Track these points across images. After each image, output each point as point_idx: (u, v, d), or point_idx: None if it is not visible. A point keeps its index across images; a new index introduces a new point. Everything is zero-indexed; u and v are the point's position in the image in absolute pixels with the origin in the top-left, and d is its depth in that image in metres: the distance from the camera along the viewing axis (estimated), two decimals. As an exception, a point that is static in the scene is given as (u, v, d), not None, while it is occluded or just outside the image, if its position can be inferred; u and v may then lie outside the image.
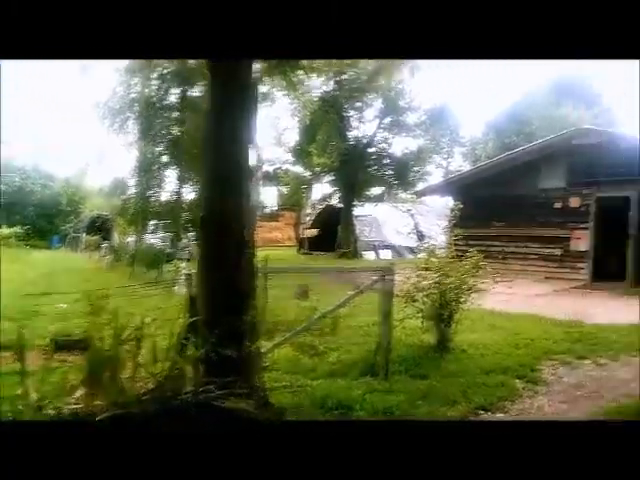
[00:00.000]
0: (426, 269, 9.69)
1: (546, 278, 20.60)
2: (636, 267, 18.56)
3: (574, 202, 20.69)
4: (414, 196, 33.58)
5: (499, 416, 6.81)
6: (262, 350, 7.04)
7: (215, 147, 6.15)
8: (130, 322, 5.88)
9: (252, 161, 6.42)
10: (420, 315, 9.34)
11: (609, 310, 14.28)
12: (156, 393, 5.37)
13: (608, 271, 19.88)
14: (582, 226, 20.44)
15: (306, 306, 11.20)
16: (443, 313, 9.34)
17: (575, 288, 18.94)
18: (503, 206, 22.28)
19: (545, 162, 21.41)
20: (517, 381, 8.08)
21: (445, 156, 44.53)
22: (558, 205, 21.15)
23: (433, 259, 9.86)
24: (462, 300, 9.48)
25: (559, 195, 21.13)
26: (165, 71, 24.80)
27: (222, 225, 6.04)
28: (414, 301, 9.32)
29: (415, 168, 37.34)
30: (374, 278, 8.56)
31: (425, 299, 9.34)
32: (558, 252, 21.09)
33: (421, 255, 12.53)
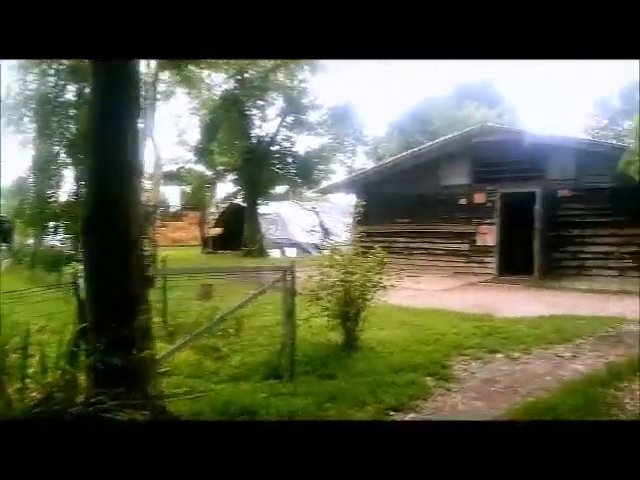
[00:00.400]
0: (330, 266, 9.30)
1: (454, 273, 20.54)
2: (542, 260, 18.59)
3: (478, 198, 20.73)
4: (319, 194, 33.45)
5: (425, 416, 6.49)
6: (161, 354, 6.77)
7: (97, 145, 5.72)
8: (20, 329, 5.47)
9: (145, 159, 5.89)
10: (326, 314, 8.93)
11: (518, 303, 14.27)
12: (45, 405, 4.94)
13: (515, 265, 20.10)
14: (488, 221, 20.48)
15: (208, 307, 10.58)
16: (349, 311, 8.92)
17: (483, 282, 18.97)
18: (407, 203, 22.14)
19: (448, 160, 21.49)
20: (428, 379, 7.67)
21: (349, 155, 44.45)
22: (463, 201, 21.18)
23: (337, 256, 9.48)
24: (368, 297, 9.05)
25: (463, 192, 21.16)
26: (61, 67, 23.87)
27: (106, 225, 5.56)
28: (319, 299, 8.91)
29: (319, 166, 37.32)
30: (276, 276, 8.13)
31: (330, 297, 8.93)
32: (465, 247, 21.11)
33: (326, 252, 12.17)
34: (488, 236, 20.41)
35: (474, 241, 20.87)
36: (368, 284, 8.99)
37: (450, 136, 22.05)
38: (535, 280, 18.13)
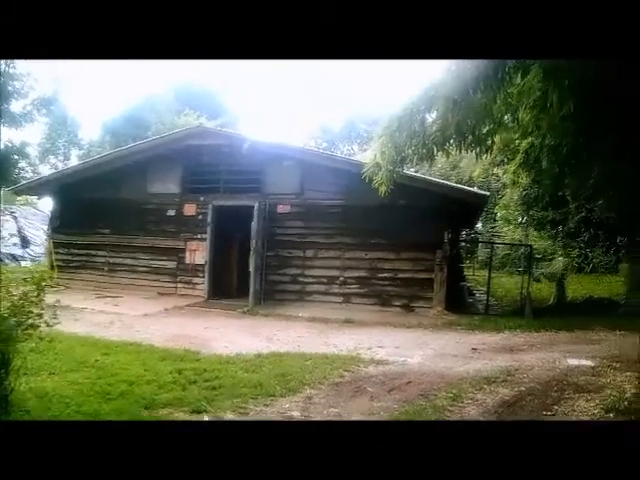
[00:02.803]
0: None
1: (160, 295, 18.04)
2: (259, 283, 16.72)
3: (189, 210, 18.42)
4: (15, 195, 29.45)
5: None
6: None
7: None
8: None
9: None
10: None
11: (230, 335, 12.15)
12: None
13: (229, 287, 18.38)
14: (199, 237, 18.17)
15: None
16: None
17: (191, 306, 16.46)
18: (110, 212, 19.16)
19: (158, 164, 18.74)
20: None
21: (61, 158, 40.90)
22: (172, 213, 18.70)
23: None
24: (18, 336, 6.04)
25: (172, 201, 18.71)
26: None
27: None
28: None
29: (20, 164, 33.05)
30: None
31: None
32: (172, 265, 18.61)
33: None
34: (198, 253, 18.08)
35: (183, 258, 18.41)
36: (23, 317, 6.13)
37: (160, 136, 19.57)
38: (251, 306, 16.06)
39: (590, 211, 22.50)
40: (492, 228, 34.39)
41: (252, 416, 6.82)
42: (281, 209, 17.35)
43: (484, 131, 8.15)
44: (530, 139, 9.79)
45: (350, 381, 8.54)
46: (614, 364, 9.78)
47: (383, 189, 9.10)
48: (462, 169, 36.29)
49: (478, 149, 8.19)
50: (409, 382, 8.47)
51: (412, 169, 18.93)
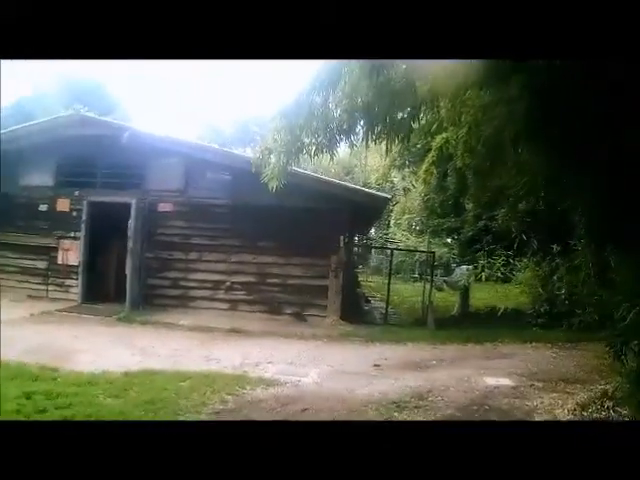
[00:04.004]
0: None
1: (29, 297, 16.03)
2: (137, 287, 15.14)
3: (62, 205, 16.45)
4: None
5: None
6: None
7: None
8: None
9: None
10: None
11: (100, 346, 10.56)
12: None
13: (106, 291, 16.53)
14: (72, 235, 16.28)
15: None
16: None
17: (61, 311, 14.63)
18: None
19: (31, 153, 16.52)
20: None
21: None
22: (44, 208, 16.66)
23: None
24: None
25: (45, 196, 16.66)
26: None
27: None
28: None
29: None
30: None
31: None
32: (43, 265, 16.59)
33: None
34: (72, 253, 16.21)
35: (55, 258, 16.44)
36: None
37: (34, 122, 17.37)
38: (127, 312, 14.40)
39: (491, 219, 22.25)
40: (385, 234, 33.88)
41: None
42: (162, 207, 15.78)
43: (399, 117, 7.15)
44: (446, 135, 8.79)
45: (234, 408, 7.18)
46: (535, 383, 8.86)
47: (274, 184, 8.15)
48: (357, 174, 35.76)
49: (389, 139, 7.24)
50: (305, 409, 7.22)
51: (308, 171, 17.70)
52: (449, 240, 29.33)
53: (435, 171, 10.04)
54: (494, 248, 20.32)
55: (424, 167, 10.00)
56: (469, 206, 21.51)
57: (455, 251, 27.95)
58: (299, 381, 8.59)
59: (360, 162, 37.37)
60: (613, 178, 6.43)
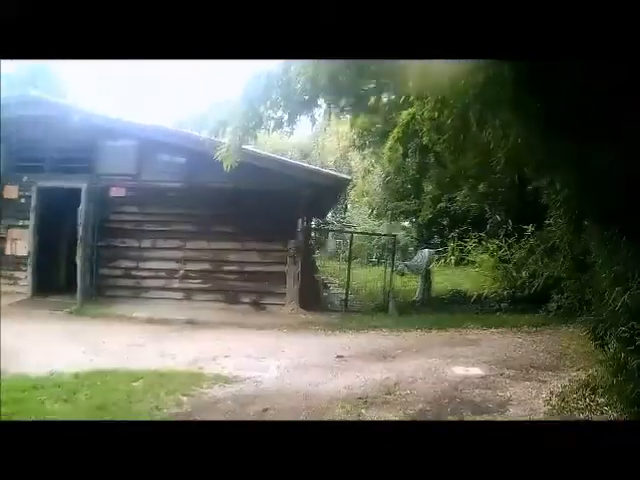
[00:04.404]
0: None
1: (-24, 290, 15.11)
2: (89, 278, 14.46)
3: (9, 192, 15.50)
4: None
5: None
6: None
7: None
8: None
9: None
10: None
11: (51, 342, 9.91)
12: None
13: (58, 283, 15.89)
14: (21, 224, 15.43)
15: None
16: None
17: (10, 306, 13.65)
18: None
19: None
20: None
21: None
22: (-9, 195, 15.79)
23: None
24: None
25: (-8, 182, 15.77)
26: None
27: None
28: None
29: None
30: None
31: None
32: (-9, 256, 15.75)
33: None
34: (20, 243, 15.39)
35: (3, 249, 15.57)
36: None
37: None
38: (79, 305, 13.77)
39: (451, 201, 22.06)
40: (343, 218, 33.58)
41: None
42: (114, 192, 15.06)
43: (365, 89, 6.80)
44: (412, 110, 8.40)
45: (190, 412, 6.67)
46: (506, 371, 8.56)
47: (229, 163, 7.87)
48: (314, 157, 35.31)
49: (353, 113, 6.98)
50: (266, 409, 6.74)
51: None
52: (406, 224, 29.16)
53: (401, 148, 9.58)
54: (467, 229, 20.16)
55: (388, 144, 9.56)
56: (429, 188, 21.27)
57: (413, 234, 27.79)
58: (259, 377, 8.13)
59: (317, 144, 36.87)
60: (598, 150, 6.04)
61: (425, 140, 8.69)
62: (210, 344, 10.20)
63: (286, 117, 7.11)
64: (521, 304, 14.57)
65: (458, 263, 20.01)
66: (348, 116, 7.51)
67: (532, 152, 7.02)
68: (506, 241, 16.14)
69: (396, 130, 9.13)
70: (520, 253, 15.40)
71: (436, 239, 24.34)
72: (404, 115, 8.64)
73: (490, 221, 19.24)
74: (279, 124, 7.26)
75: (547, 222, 11.58)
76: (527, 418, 6.52)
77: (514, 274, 15.38)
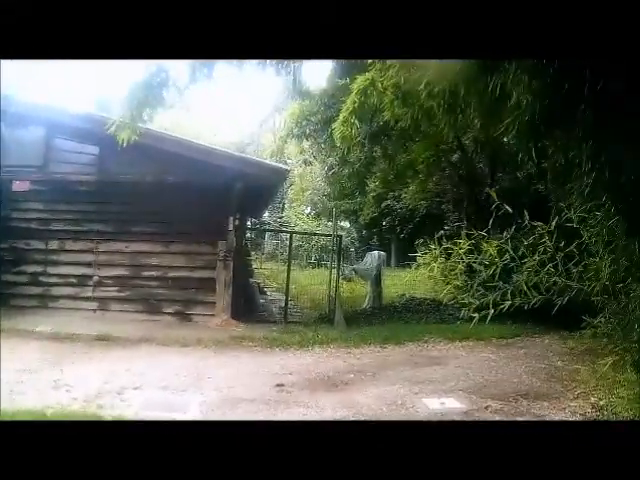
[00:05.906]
0: None
1: None
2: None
3: None
4: None
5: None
6: None
7: None
8: None
9: None
10: None
11: None
12: None
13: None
14: None
15: None
16: None
17: None
18: None
19: None
20: None
21: None
22: None
23: None
24: None
25: None
26: None
27: None
28: None
29: None
30: None
31: None
32: None
33: None
34: None
35: None
36: None
37: None
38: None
39: (397, 199, 20.91)
40: (280, 218, 32.12)
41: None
42: (17, 186, 13.24)
43: None
44: (370, 75, 6.67)
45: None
46: (491, 403, 6.94)
47: (125, 136, 7.34)
48: (248, 151, 33.85)
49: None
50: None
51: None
52: (346, 224, 28.06)
53: (357, 123, 7.74)
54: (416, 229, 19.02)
55: (341, 117, 7.65)
56: (372, 185, 19.76)
57: (350, 234, 26.61)
58: (173, 421, 6.17)
59: (253, 140, 35.31)
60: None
61: (387, 115, 7.26)
62: (119, 368, 8.28)
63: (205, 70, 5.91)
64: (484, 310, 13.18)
65: (408, 266, 18.71)
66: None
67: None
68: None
69: (350, 99, 7.32)
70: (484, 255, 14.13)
71: (375, 240, 23.24)
72: (360, 81, 6.91)
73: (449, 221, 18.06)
74: (194, 78, 5.91)
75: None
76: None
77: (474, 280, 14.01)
